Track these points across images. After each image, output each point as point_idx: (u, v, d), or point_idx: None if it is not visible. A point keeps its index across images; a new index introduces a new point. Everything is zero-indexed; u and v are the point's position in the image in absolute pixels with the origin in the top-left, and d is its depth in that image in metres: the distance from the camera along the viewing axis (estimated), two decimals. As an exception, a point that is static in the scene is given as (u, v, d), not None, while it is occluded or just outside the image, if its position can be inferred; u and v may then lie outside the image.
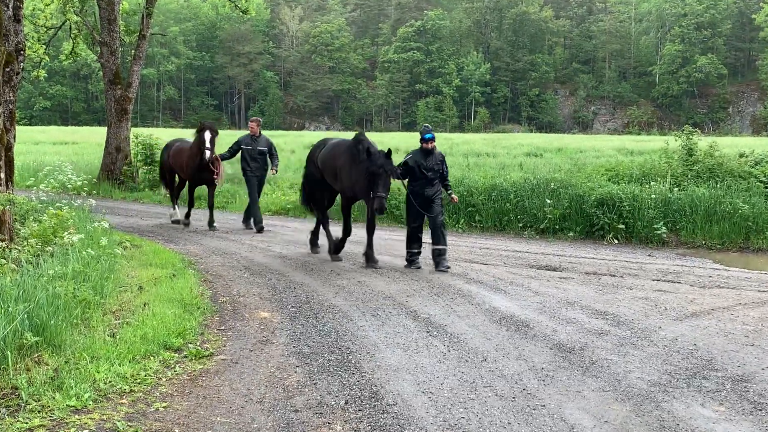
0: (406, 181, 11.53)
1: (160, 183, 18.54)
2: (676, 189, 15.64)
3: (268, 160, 15.68)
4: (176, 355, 6.55)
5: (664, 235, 14.18)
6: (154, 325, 7.07)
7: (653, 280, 10.52)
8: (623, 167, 19.39)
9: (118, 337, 6.73)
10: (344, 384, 5.92)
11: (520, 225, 15.56)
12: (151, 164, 23.50)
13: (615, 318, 8.18)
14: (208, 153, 14.76)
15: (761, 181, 15.88)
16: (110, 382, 5.71)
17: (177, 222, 16.18)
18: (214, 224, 15.39)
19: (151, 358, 6.35)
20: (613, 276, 10.76)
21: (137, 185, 23.42)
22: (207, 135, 14.81)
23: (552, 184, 16.02)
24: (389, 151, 10.93)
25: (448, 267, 10.94)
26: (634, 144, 44.22)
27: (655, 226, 14.19)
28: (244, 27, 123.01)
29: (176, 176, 16.78)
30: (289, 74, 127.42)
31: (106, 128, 24.39)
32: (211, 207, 15.63)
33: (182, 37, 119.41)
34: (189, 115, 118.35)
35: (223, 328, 7.60)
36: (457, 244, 13.56)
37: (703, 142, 18.37)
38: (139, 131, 25.82)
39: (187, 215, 15.91)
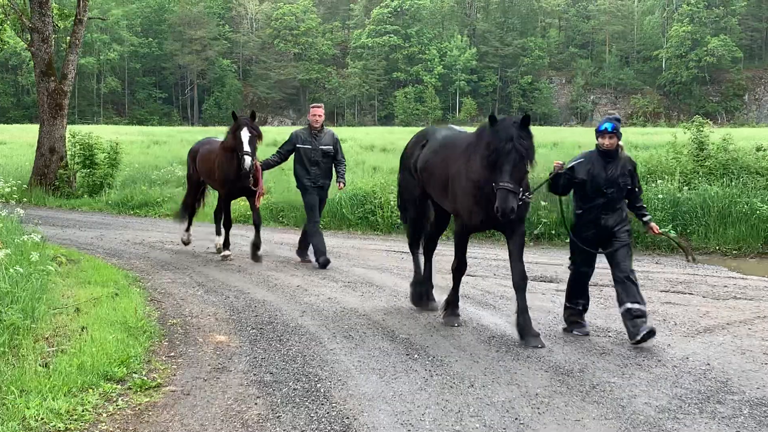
0: (564, 202, 8.88)
1: (182, 203, 15.32)
2: (685, 188, 15.77)
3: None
4: (119, 386, 6.48)
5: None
6: (94, 353, 6.99)
7: (661, 291, 10.59)
8: (627, 164, 19.48)
9: (51, 367, 6.64)
10: (312, 416, 5.89)
11: (512, 231, 15.60)
12: (91, 167, 23.38)
13: (618, 335, 8.21)
14: (248, 159, 12.16)
15: (781, 178, 16.06)
16: (42, 419, 5.64)
17: (226, 257, 13.18)
18: (260, 252, 12.92)
19: (90, 390, 6.28)
20: (617, 287, 10.80)
21: (74, 191, 23.27)
22: (245, 134, 12.30)
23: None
24: (526, 118, 7.75)
25: (650, 333, 7.73)
26: (638, 137, 44.59)
27: (663, 230, 14.28)
28: (196, 9, 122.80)
29: (205, 190, 14.76)
30: (248, 62, 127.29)
31: (38, 126, 24.21)
32: (257, 225, 13.04)
33: (125, 21, 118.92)
34: (134, 109, 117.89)
35: (172, 354, 7.53)
36: (441, 253, 13.55)
37: (715, 134, 18.54)
38: (77, 129, 25.65)
39: (225, 243, 13.34)
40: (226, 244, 13.29)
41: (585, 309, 8.41)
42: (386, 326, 8.62)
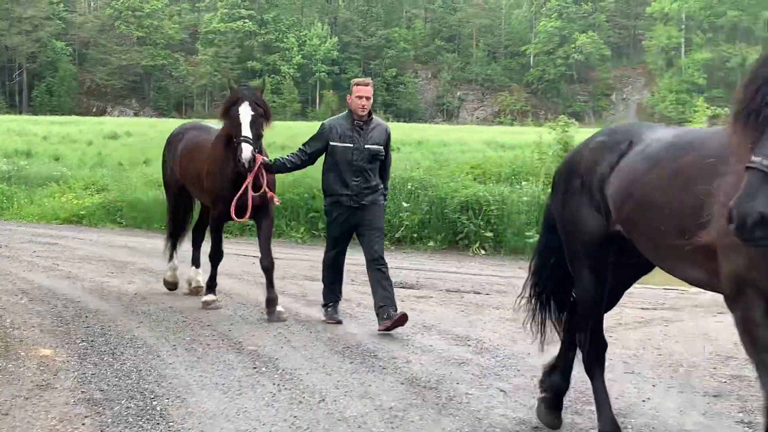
0: None
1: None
2: (550, 190, 16.33)
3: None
4: (-76, 408, 6.20)
5: (537, 245, 14.75)
6: None
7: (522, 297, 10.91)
8: (491, 164, 20.09)
9: None
10: (146, 437, 5.79)
11: (371, 234, 15.75)
12: None
13: (478, 344, 8.43)
14: (246, 150, 8.77)
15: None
16: None
17: (209, 303, 9.92)
18: (279, 308, 9.42)
19: None
20: (478, 293, 11.09)
21: None
22: (245, 110, 9.07)
23: (409, 184, 16.36)
24: None
25: None
26: (505, 136, 46.01)
27: (527, 233, 14.74)
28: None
29: (190, 203, 11.17)
30: (85, 45, 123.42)
31: None
32: (267, 269, 9.52)
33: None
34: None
35: (-11, 371, 7.26)
36: (297, 257, 13.59)
37: (581, 134, 19.31)
38: None
39: (211, 281, 10.02)
40: (212, 285, 10.01)
41: None
42: (232, 337, 8.55)
